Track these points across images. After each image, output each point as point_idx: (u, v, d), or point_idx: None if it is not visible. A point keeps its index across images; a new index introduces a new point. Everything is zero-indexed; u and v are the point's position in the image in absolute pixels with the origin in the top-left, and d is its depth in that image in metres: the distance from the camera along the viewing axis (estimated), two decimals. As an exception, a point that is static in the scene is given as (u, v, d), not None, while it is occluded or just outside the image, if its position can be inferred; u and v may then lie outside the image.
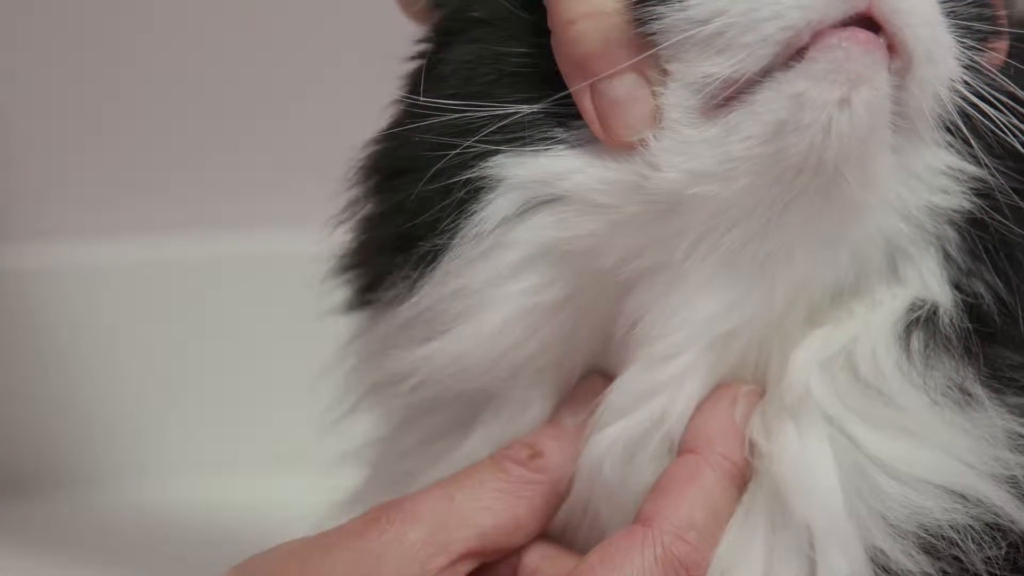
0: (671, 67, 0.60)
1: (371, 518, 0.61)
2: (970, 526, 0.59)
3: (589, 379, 0.65)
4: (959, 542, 0.58)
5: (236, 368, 1.22)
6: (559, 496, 0.63)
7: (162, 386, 1.22)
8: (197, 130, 1.23)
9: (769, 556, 0.60)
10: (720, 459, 0.61)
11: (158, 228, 1.22)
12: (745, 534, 0.61)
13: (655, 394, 0.62)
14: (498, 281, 0.63)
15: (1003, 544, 0.59)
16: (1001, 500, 0.59)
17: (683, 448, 0.62)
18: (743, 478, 0.61)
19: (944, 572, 0.59)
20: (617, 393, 0.62)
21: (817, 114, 0.57)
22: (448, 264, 0.62)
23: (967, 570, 0.58)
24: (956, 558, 0.59)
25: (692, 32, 0.59)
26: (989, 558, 0.58)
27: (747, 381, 0.63)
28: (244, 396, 1.22)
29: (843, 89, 0.57)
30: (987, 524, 0.59)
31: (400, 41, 0.70)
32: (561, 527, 0.64)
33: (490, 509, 0.61)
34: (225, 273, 1.22)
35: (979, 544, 0.58)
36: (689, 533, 0.59)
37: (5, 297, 1.20)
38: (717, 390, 0.63)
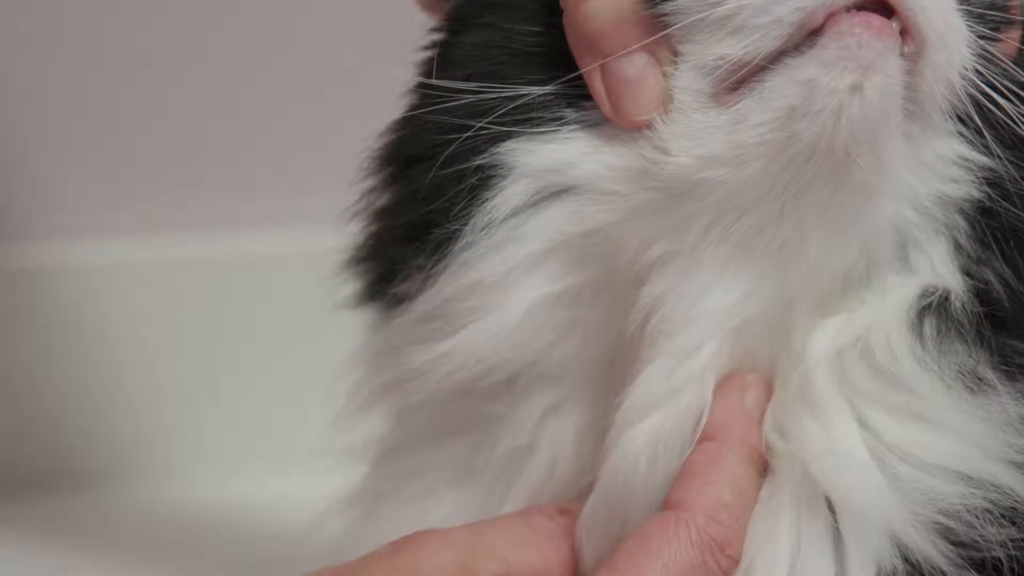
0: (683, 48, 0.60)
1: (401, 543, 0.61)
2: (987, 510, 0.59)
3: None
4: (977, 526, 0.58)
5: (248, 368, 1.22)
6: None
7: (172, 386, 1.22)
8: (213, 130, 1.23)
9: (796, 543, 0.60)
10: (738, 442, 0.61)
11: (170, 228, 1.22)
12: (768, 524, 0.60)
13: (685, 388, 0.62)
14: (515, 276, 0.62)
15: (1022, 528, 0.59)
16: (1018, 484, 0.59)
17: (700, 437, 0.62)
18: (762, 460, 0.62)
19: (963, 557, 0.59)
20: (644, 387, 0.62)
21: (828, 100, 0.57)
22: (462, 254, 0.62)
23: (986, 554, 0.58)
24: (975, 542, 0.58)
25: (705, 13, 0.59)
26: (1007, 542, 0.58)
27: (757, 371, 0.63)
28: (256, 396, 1.22)
29: (854, 76, 0.57)
30: (1005, 508, 0.59)
31: (414, 40, 0.70)
32: (587, 524, 0.63)
33: (516, 548, 0.62)
34: (238, 273, 1.22)
35: (997, 528, 0.58)
36: (721, 513, 0.59)
37: (19, 296, 1.20)
38: (725, 380, 0.63)
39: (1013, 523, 0.58)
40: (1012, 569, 0.58)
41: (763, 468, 0.62)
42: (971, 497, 0.59)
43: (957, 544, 0.59)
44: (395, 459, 0.71)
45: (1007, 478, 0.59)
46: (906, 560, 0.59)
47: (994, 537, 0.58)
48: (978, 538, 0.58)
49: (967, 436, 0.60)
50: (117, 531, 1.13)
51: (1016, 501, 0.59)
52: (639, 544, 0.59)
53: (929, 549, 0.58)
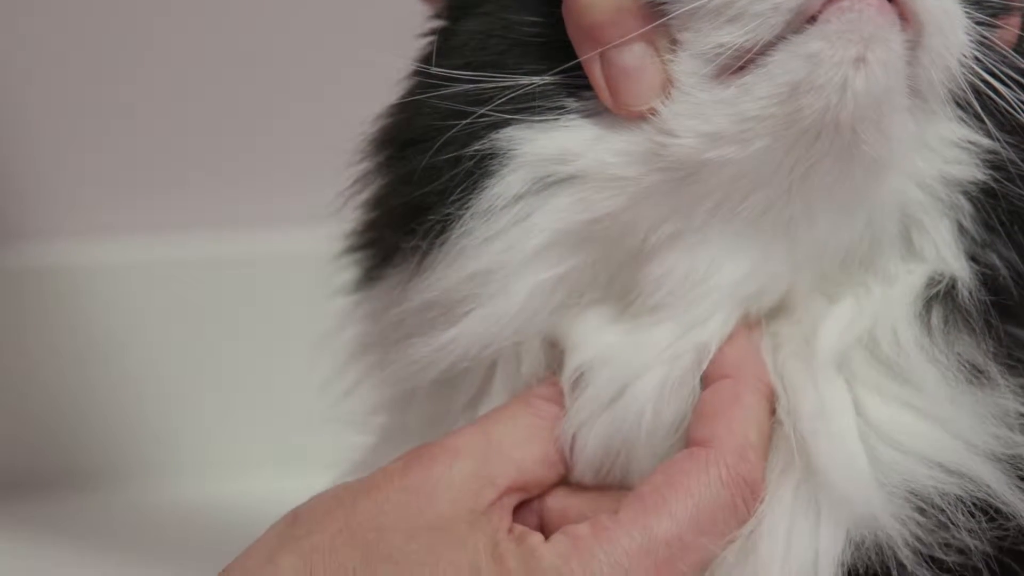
0: (681, 36, 0.60)
1: (411, 458, 0.61)
2: (960, 499, 0.59)
3: None
4: (948, 512, 0.59)
5: (249, 368, 1.22)
6: None
7: (172, 386, 1.22)
8: (212, 129, 1.23)
9: (794, 504, 0.60)
10: (754, 380, 0.62)
11: (170, 227, 1.23)
12: (774, 481, 0.61)
13: (690, 352, 0.62)
14: (518, 264, 0.62)
15: (995, 522, 0.59)
16: (996, 482, 0.59)
17: (715, 375, 0.62)
18: (773, 397, 0.62)
19: (931, 540, 0.59)
20: (647, 350, 0.62)
21: (832, 73, 0.57)
22: (462, 241, 0.62)
23: (955, 540, 0.59)
24: (944, 526, 0.59)
25: (702, 1, 0.59)
26: (978, 532, 0.58)
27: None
28: (256, 396, 1.23)
29: (858, 48, 0.57)
30: (978, 499, 0.59)
31: (414, 38, 0.70)
32: (584, 455, 0.63)
33: (526, 444, 0.62)
34: (238, 273, 1.22)
35: (968, 517, 0.59)
36: (748, 452, 0.60)
37: (19, 296, 1.20)
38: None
39: (985, 514, 0.59)
40: (985, 562, 0.58)
41: (773, 405, 0.62)
42: (945, 484, 0.59)
43: (926, 527, 0.59)
44: (388, 436, 0.71)
45: (985, 473, 0.59)
46: (876, 534, 0.59)
47: (964, 525, 0.58)
48: (948, 524, 0.58)
49: (955, 429, 0.60)
50: (117, 531, 1.13)
51: (990, 495, 0.59)
52: (667, 480, 0.59)
53: (898, 527, 0.59)
